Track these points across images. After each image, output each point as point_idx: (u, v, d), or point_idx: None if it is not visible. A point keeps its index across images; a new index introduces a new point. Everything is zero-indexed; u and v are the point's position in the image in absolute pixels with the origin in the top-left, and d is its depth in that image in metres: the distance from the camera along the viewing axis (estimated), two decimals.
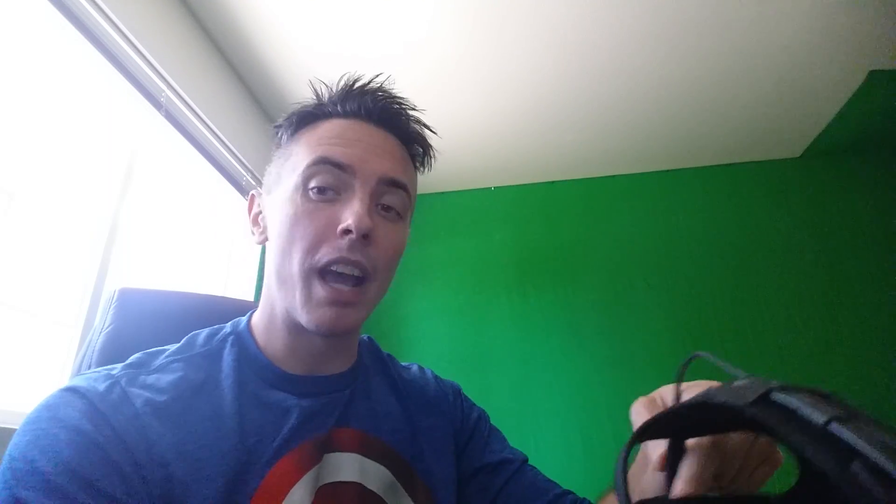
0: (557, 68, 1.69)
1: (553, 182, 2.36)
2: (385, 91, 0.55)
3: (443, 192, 2.44)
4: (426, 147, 0.57)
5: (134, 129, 1.41)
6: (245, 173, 1.81)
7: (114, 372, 0.45)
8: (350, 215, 0.47)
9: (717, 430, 0.32)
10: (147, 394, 0.44)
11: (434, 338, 2.17)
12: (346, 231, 0.47)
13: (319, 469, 0.47)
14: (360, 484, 0.49)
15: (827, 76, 1.70)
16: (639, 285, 2.11)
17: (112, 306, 0.60)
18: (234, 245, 1.90)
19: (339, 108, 0.54)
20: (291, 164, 0.51)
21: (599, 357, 2.03)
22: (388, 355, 0.65)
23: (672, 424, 0.32)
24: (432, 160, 0.58)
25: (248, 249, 1.90)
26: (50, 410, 0.40)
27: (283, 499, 0.44)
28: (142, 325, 0.60)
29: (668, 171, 2.25)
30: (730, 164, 2.20)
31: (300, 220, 0.48)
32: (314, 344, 0.51)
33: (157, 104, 1.40)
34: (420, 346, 2.16)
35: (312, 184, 0.49)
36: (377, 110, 0.53)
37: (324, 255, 0.47)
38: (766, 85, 1.75)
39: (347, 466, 0.49)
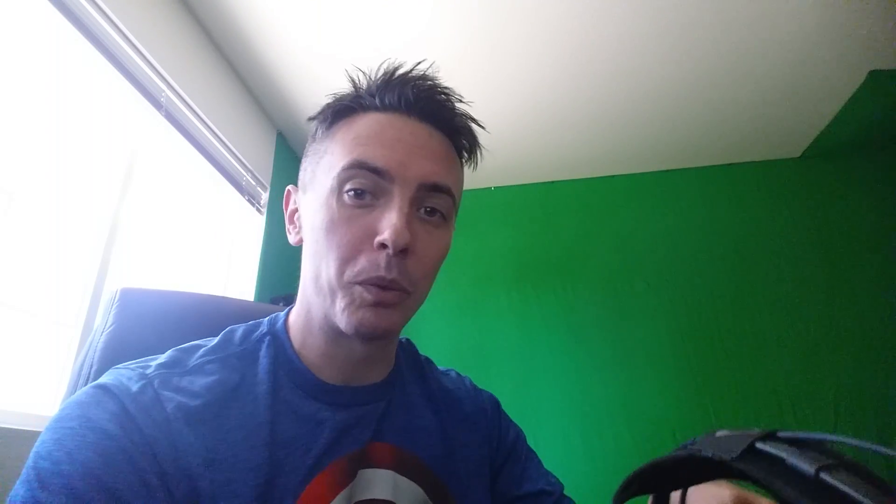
0: (557, 68, 1.69)
1: (553, 182, 2.36)
2: (428, 80, 0.50)
3: None
4: (473, 143, 0.52)
5: (134, 129, 1.41)
6: (245, 173, 1.81)
7: (148, 371, 0.43)
8: (387, 227, 0.43)
9: (702, 480, 0.32)
10: (179, 397, 0.42)
11: (434, 337, 2.17)
12: (383, 245, 0.44)
13: (353, 486, 0.46)
14: (393, 502, 0.48)
15: (827, 76, 1.70)
16: (639, 285, 2.11)
17: (114, 306, 0.59)
18: (235, 245, 1.90)
19: (377, 100, 0.49)
20: (327, 164, 0.48)
21: (599, 357, 2.03)
22: (426, 359, 0.63)
23: (657, 478, 0.31)
24: (479, 157, 0.54)
25: (249, 249, 1.90)
26: (80, 408, 0.39)
27: None
28: (143, 325, 0.60)
29: (667, 171, 2.25)
30: (729, 165, 2.20)
31: (336, 228, 0.45)
32: (353, 350, 0.49)
33: (157, 104, 1.40)
34: (420, 345, 2.14)
35: (348, 187, 0.45)
36: (420, 103, 0.49)
37: (361, 272, 0.44)
38: (766, 85, 1.75)
39: (381, 483, 0.48)
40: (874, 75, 1.68)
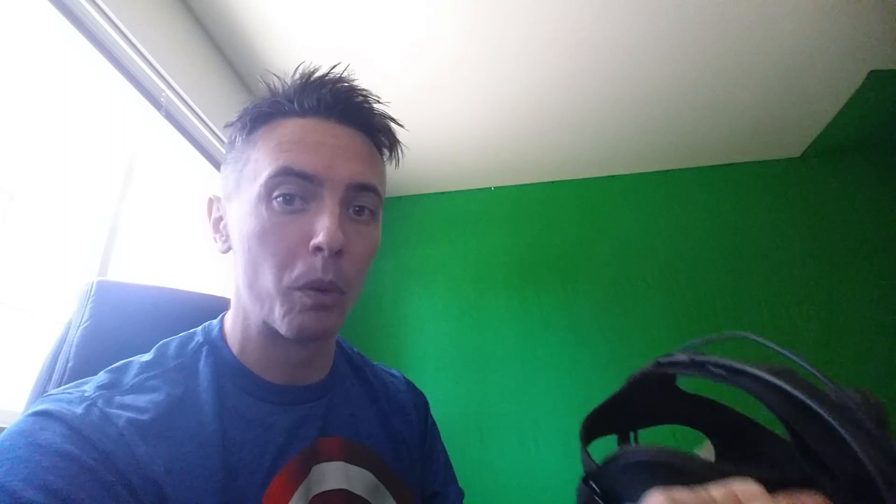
0: (557, 68, 1.69)
1: (553, 182, 2.35)
2: (345, 82, 0.50)
3: (443, 192, 2.44)
4: (393, 141, 0.53)
5: (134, 129, 1.40)
6: None
7: (87, 393, 0.42)
8: (321, 230, 0.44)
9: (660, 418, 0.35)
10: (128, 413, 0.41)
11: (434, 338, 2.17)
12: (318, 248, 0.45)
13: (308, 481, 0.47)
14: (347, 490, 0.50)
15: (827, 76, 1.70)
16: (639, 285, 2.11)
17: (90, 300, 0.57)
18: None
19: (295, 105, 0.49)
20: (251, 172, 0.47)
21: (599, 357, 2.03)
22: (359, 354, 0.66)
23: (617, 416, 0.34)
24: (400, 155, 0.54)
25: None
26: (24, 436, 0.37)
27: None
28: (121, 320, 0.57)
29: (667, 171, 2.25)
30: (730, 164, 2.20)
31: (269, 235, 0.45)
32: (293, 353, 0.50)
33: (157, 104, 1.40)
34: (420, 346, 2.16)
35: (277, 193, 0.45)
36: (339, 105, 0.49)
37: (299, 276, 0.45)
38: (766, 85, 1.75)
39: (333, 474, 0.50)
40: (874, 75, 1.68)
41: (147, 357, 0.48)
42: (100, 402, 0.41)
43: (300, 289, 0.45)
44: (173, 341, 0.51)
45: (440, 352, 2.14)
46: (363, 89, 0.51)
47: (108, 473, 0.37)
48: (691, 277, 2.08)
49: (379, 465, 0.54)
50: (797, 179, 2.13)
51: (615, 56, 1.63)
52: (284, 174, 0.45)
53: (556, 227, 2.28)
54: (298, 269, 0.45)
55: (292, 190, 0.46)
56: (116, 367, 0.47)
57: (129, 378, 0.45)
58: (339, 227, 0.45)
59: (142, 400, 0.43)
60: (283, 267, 0.45)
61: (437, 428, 0.68)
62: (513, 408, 2.01)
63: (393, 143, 0.53)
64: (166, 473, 0.40)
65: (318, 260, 0.45)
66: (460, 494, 0.65)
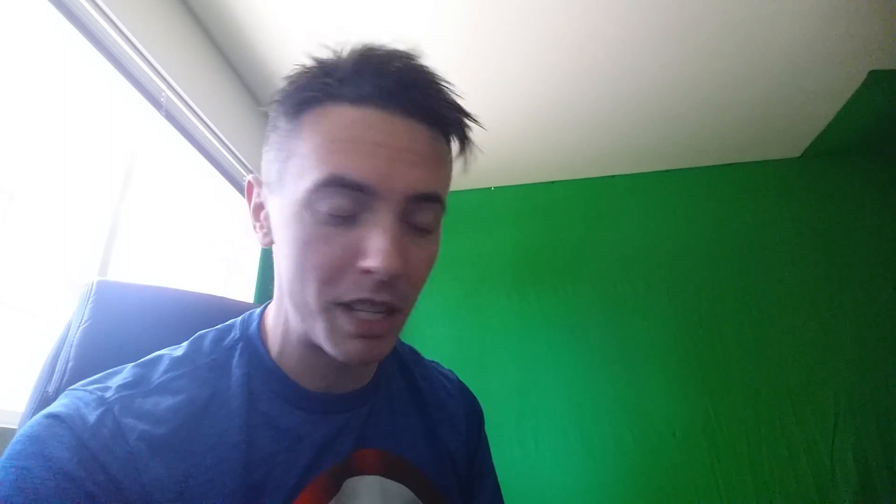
0: (558, 68, 1.69)
1: (553, 182, 2.35)
2: (410, 63, 0.41)
3: None
4: (464, 140, 0.44)
5: (134, 129, 1.40)
6: (245, 173, 1.81)
7: (107, 395, 0.39)
8: (375, 254, 0.38)
9: None
10: (143, 425, 0.38)
11: (434, 338, 2.17)
12: (370, 272, 0.38)
13: (338, 498, 0.44)
14: None
15: (827, 76, 1.70)
16: (639, 285, 2.11)
17: (90, 300, 0.56)
18: (235, 245, 1.90)
19: (349, 89, 0.40)
20: (296, 168, 0.41)
21: (600, 357, 2.03)
22: (411, 349, 0.61)
23: None
24: (470, 155, 0.45)
25: (249, 250, 1.90)
26: (35, 444, 0.35)
27: None
28: (122, 320, 0.57)
29: (668, 171, 2.25)
30: (730, 164, 2.20)
31: (314, 246, 0.39)
32: (334, 363, 0.44)
33: (157, 104, 1.40)
34: (420, 346, 2.14)
35: (324, 207, 0.39)
36: (401, 94, 0.40)
37: (346, 293, 0.39)
38: (766, 85, 1.75)
39: (368, 490, 0.45)
40: (874, 75, 1.68)
41: (179, 351, 0.45)
42: (116, 409, 0.39)
43: (345, 306, 0.40)
44: (209, 334, 0.47)
45: (440, 352, 2.13)
46: (432, 73, 0.42)
47: (110, 501, 0.35)
48: (691, 277, 2.08)
49: (420, 480, 0.49)
50: (797, 179, 2.13)
51: (616, 56, 1.63)
52: (334, 184, 0.38)
53: (557, 226, 2.28)
54: (344, 285, 0.39)
55: (342, 203, 0.39)
56: (146, 361, 0.44)
57: (157, 375, 0.42)
58: (397, 248, 0.39)
59: (163, 406, 0.40)
60: (326, 282, 0.40)
61: (488, 443, 0.61)
62: (513, 408, 2.01)
63: (464, 142, 0.44)
64: (178, 496, 0.37)
65: (368, 281, 0.39)
66: None
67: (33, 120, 1.13)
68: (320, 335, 0.41)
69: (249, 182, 0.48)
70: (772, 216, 2.10)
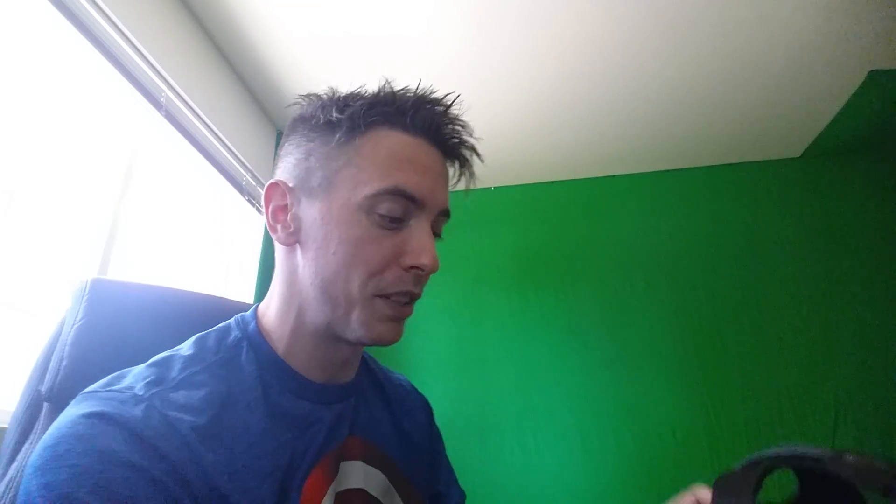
0: (558, 68, 1.69)
1: (553, 182, 2.35)
2: (452, 110, 0.52)
3: None
4: (471, 174, 0.56)
5: (134, 129, 1.40)
6: (245, 173, 1.81)
7: (139, 391, 0.41)
8: (423, 254, 0.47)
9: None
10: (188, 417, 0.40)
11: (434, 338, 2.17)
12: (417, 268, 0.48)
13: (338, 478, 0.49)
14: (365, 490, 0.51)
15: (827, 76, 1.70)
16: (639, 285, 2.11)
17: (84, 298, 0.55)
18: (235, 245, 1.90)
19: (407, 119, 0.49)
20: (351, 177, 0.47)
21: (600, 357, 2.03)
22: (370, 356, 0.67)
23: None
24: (470, 181, 0.57)
25: (249, 250, 1.90)
26: (83, 442, 0.35)
27: None
28: (116, 319, 0.56)
29: (668, 171, 2.25)
30: (730, 164, 2.20)
31: (366, 245, 0.47)
32: (341, 353, 0.52)
33: (157, 104, 1.40)
34: (420, 345, 2.15)
35: (382, 211, 0.47)
36: (444, 132, 0.51)
37: (389, 285, 0.48)
38: (766, 85, 1.75)
39: (354, 474, 0.51)
40: (874, 75, 1.68)
41: (187, 351, 0.47)
42: (157, 403, 0.40)
43: (385, 297, 0.48)
44: (210, 334, 0.50)
45: (440, 351, 2.14)
46: (465, 122, 0.53)
47: (177, 487, 0.36)
48: (691, 277, 2.08)
49: (391, 467, 0.55)
50: (797, 179, 2.13)
51: (616, 56, 1.63)
52: (395, 193, 0.47)
53: (557, 226, 2.28)
54: (387, 279, 0.47)
55: (398, 210, 0.47)
56: (157, 361, 0.46)
57: (175, 373, 0.44)
58: (434, 248, 0.49)
59: (195, 398, 0.42)
60: (373, 275, 0.47)
61: (440, 432, 0.70)
62: (513, 408, 2.01)
63: (469, 175, 0.56)
64: (229, 480, 0.40)
65: (408, 275, 0.48)
66: (462, 496, 0.66)
67: (33, 120, 1.13)
68: (354, 322, 0.48)
69: (275, 184, 0.51)
70: (772, 216, 2.10)
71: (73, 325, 0.54)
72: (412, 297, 0.50)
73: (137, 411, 0.39)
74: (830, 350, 1.88)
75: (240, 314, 0.54)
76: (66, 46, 1.20)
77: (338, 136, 0.49)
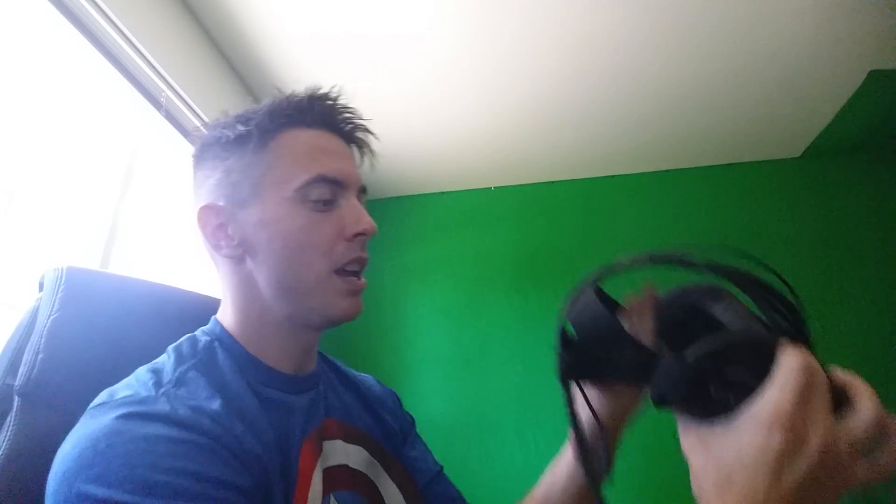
0: (558, 68, 1.69)
1: (553, 182, 2.35)
2: (339, 101, 0.59)
3: (443, 192, 2.43)
4: (370, 151, 0.63)
5: (134, 129, 1.40)
6: None
7: (149, 393, 0.43)
8: (361, 221, 0.54)
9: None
10: (206, 405, 0.44)
11: (434, 338, 2.17)
12: (361, 234, 0.54)
13: (323, 455, 0.53)
14: (347, 465, 0.55)
15: (827, 76, 1.70)
16: (639, 285, 2.11)
17: (60, 288, 0.53)
18: None
19: (306, 117, 0.56)
20: (277, 177, 0.53)
21: None
22: (327, 356, 0.70)
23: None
24: (373, 160, 0.64)
25: None
26: (123, 435, 0.37)
27: (310, 484, 0.49)
28: (93, 310, 0.55)
29: (668, 171, 2.25)
30: (730, 164, 2.20)
31: (311, 229, 0.52)
32: (306, 340, 0.57)
33: (157, 104, 1.40)
34: (420, 345, 2.15)
35: (313, 197, 0.53)
36: (337, 120, 0.58)
37: (342, 256, 0.53)
38: (766, 85, 1.75)
39: (336, 451, 0.55)
40: (874, 75, 1.68)
41: (168, 358, 0.50)
42: (172, 398, 0.43)
43: (341, 272, 0.53)
44: (182, 343, 0.53)
45: (440, 352, 2.14)
46: (353, 108, 0.60)
47: (223, 450, 0.40)
48: (692, 277, 2.08)
49: (371, 443, 0.60)
50: (797, 179, 2.13)
51: (616, 56, 1.63)
52: (320, 180, 0.53)
53: (557, 226, 2.28)
54: (339, 251, 0.53)
55: (327, 193, 0.54)
56: (143, 372, 0.47)
57: (169, 375, 0.47)
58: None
59: (198, 389, 0.46)
60: (327, 253, 0.52)
61: (412, 417, 0.74)
62: (513, 408, 2.01)
63: (370, 152, 0.63)
64: (258, 443, 0.44)
65: (355, 243, 0.54)
66: (440, 467, 0.71)
67: (33, 119, 1.13)
68: (317, 305, 0.53)
69: (204, 208, 0.55)
70: (772, 216, 2.10)
71: (49, 316, 0.51)
72: (362, 264, 0.55)
73: (162, 406, 0.41)
74: (830, 350, 1.87)
75: (201, 328, 0.57)
76: (67, 46, 1.20)
77: (251, 146, 0.55)
